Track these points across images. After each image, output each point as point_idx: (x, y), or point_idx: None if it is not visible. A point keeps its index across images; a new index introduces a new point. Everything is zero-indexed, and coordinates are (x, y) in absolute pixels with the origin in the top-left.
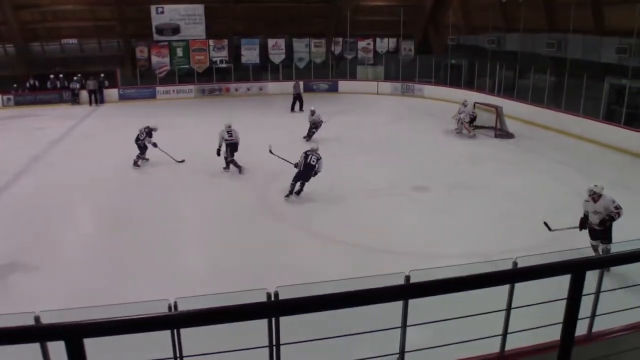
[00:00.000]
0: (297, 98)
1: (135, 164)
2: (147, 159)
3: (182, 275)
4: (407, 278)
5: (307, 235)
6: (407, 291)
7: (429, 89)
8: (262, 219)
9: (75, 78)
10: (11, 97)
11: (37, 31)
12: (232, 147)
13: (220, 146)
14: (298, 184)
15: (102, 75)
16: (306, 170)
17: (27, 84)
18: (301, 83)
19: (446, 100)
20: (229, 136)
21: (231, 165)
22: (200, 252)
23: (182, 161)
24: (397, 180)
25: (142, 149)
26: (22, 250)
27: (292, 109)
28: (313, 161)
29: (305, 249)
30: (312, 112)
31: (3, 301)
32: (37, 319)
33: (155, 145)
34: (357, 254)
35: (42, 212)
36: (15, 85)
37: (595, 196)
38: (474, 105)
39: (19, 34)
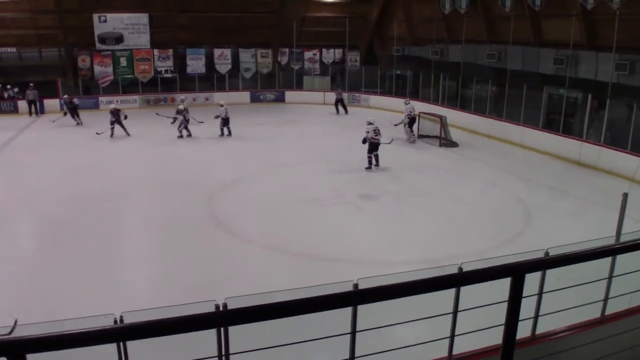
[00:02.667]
0: (339, 102)
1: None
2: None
3: (127, 289)
4: (356, 286)
5: (252, 246)
6: (356, 297)
7: (375, 99)
8: (208, 229)
9: (8, 87)
10: None
11: None
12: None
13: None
14: (373, 155)
15: (31, 84)
16: (375, 142)
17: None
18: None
19: (392, 110)
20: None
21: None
22: (146, 265)
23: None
24: (343, 189)
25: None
26: None
27: (345, 112)
28: (378, 134)
29: (251, 260)
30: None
31: None
32: None
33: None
34: (304, 263)
35: None
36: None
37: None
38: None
39: None
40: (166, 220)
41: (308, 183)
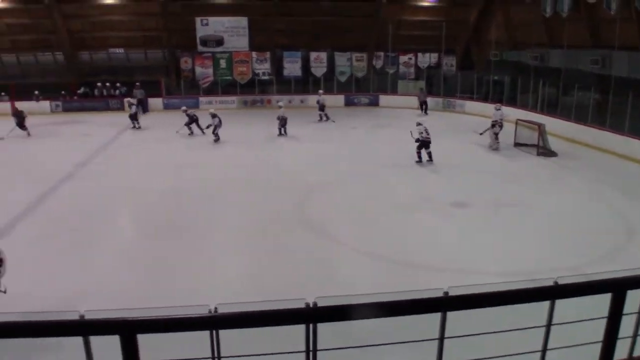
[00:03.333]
0: (424, 104)
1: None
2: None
3: (220, 281)
4: (446, 293)
5: (342, 248)
6: (446, 303)
7: (470, 105)
8: (299, 230)
9: (117, 84)
10: (59, 103)
11: (86, 40)
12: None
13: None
14: (423, 151)
15: (137, 84)
16: (426, 139)
17: (79, 91)
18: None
19: (488, 117)
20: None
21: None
22: (239, 261)
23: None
24: (435, 196)
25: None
26: (65, 252)
27: (425, 112)
28: (428, 132)
29: (340, 262)
30: (498, 107)
31: (46, 300)
32: (81, 317)
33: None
34: (393, 268)
35: (85, 217)
36: (63, 92)
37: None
38: (515, 122)
39: (69, 42)
40: (259, 220)
41: (399, 187)
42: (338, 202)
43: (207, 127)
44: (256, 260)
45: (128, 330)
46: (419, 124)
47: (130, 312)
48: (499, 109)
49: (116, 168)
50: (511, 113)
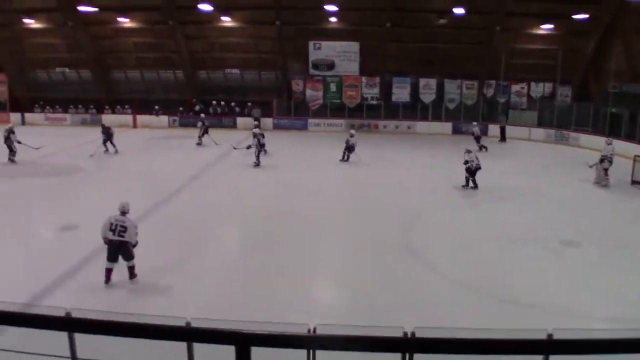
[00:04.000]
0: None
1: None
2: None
3: (318, 301)
4: (550, 335)
5: (441, 277)
6: (549, 346)
7: (586, 138)
8: (400, 255)
9: (232, 104)
10: (176, 118)
11: (205, 60)
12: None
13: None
14: (471, 180)
15: (249, 104)
16: (478, 168)
17: (196, 107)
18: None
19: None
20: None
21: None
22: (338, 282)
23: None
24: (543, 232)
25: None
26: (176, 261)
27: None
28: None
29: (439, 292)
30: (609, 142)
31: (155, 307)
32: (187, 324)
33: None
34: (493, 304)
35: (196, 227)
36: (180, 108)
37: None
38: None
39: (189, 62)
40: (359, 242)
41: (505, 220)
42: (441, 230)
43: (248, 147)
44: (354, 282)
45: (243, 342)
46: (469, 151)
47: (243, 325)
48: (610, 144)
49: (225, 182)
50: (630, 149)
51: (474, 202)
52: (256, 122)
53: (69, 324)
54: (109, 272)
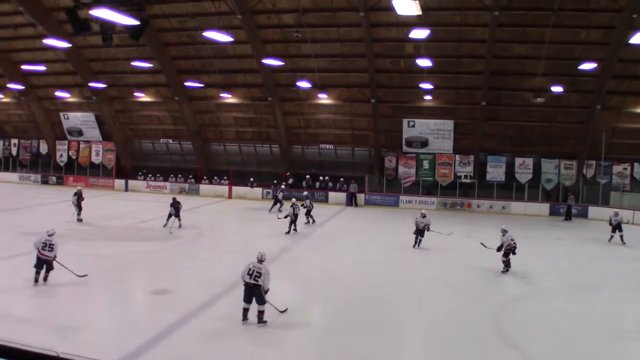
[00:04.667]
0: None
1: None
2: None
3: None
4: None
5: None
6: None
7: None
8: (494, 345)
9: (322, 178)
10: (270, 190)
11: (300, 135)
12: None
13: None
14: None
15: (352, 180)
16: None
17: (289, 181)
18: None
19: None
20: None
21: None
22: None
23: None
24: None
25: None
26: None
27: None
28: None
29: None
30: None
31: None
32: None
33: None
34: None
35: (282, 297)
36: (275, 181)
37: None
38: None
39: (285, 137)
40: (449, 327)
41: (614, 310)
42: (540, 318)
43: (285, 216)
44: None
45: None
46: (505, 231)
47: None
48: None
49: (315, 256)
50: None
51: (573, 290)
52: (305, 193)
53: None
54: (245, 311)
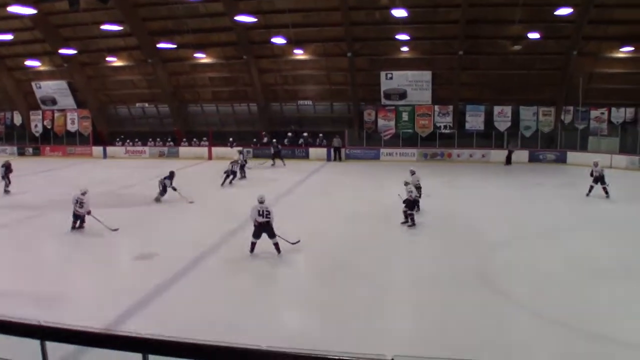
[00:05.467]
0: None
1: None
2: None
3: (392, 334)
4: None
5: (523, 312)
6: None
7: None
8: (477, 288)
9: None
10: (250, 150)
11: (277, 93)
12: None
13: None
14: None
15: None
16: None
17: (264, 140)
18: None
19: None
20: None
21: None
22: (411, 314)
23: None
24: (631, 262)
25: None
26: (248, 286)
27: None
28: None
29: (519, 326)
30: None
31: (227, 332)
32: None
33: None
34: (578, 339)
35: (265, 258)
36: (254, 140)
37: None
38: None
39: (262, 95)
40: (435, 274)
41: (591, 252)
42: (521, 261)
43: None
44: (428, 314)
45: None
46: (407, 183)
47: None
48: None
49: (298, 212)
50: None
51: (555, 232)
52: (239, 149)
53: (144, 345)
54: (253, 245)
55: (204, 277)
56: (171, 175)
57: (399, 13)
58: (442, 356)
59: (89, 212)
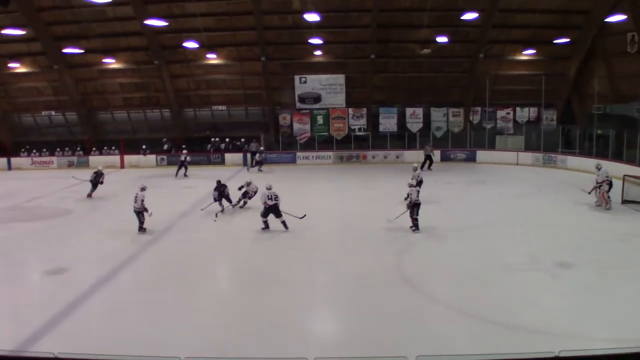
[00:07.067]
0: (428, 158)
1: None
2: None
3: (316, 336)
4: (557, 357)
5: (439, 306)
6: None
7: (573, 160)
8: (395, 286)
9: (215, 139)
10: (164, 157)
11: (191, 98)
12: None
13: None
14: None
15: (254, 139)
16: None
17: (164, 147)
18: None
19: (592, 173)
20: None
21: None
22: (334, 316)
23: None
24: (538, 255)
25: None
26: (166, 298)
27: (422, 168)
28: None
29: (437, 321)
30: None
31: (145, 345)
32: None
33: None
34: (493, 330)
35: (185, 266)
36: (166, 147)
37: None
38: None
39: (175, 100)
40: (355, 274)
41: (500, 246)
42: (436, 258)
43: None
44: (351, 314)
45: None
46: (411, 186)
47: None
48: (600, 168)
49: (214, 220)
50: (618, 169)
51: (467, 229)
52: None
53: None
54: (266, 222)
55: (117, 291)
56: (219, 186)
57: (312, 17)
58: (368, 354)
59: (137, 208)
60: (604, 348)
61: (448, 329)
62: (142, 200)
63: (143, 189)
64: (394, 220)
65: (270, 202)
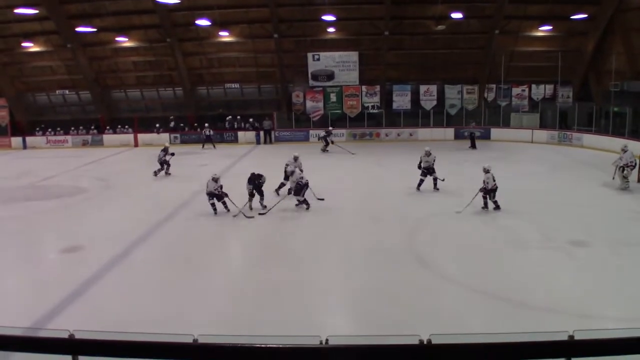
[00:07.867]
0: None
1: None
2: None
3: (327, 313)
4: (571, 337)
5: (454, 285)
6: (573, 348)
7: (589, 138)
8: (406, 263)
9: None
10: (178, 135)
11: (204, 76)
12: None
13: None
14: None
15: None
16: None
17: (171, 124)
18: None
19: (607, 150)
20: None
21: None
22: (343, 292)
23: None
24: (552, 233)
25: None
26: (180, 276)
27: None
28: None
29: (448, 298)
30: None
31: (159, 323)
32: (195, 341)
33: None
34: (505, 308)
35: (199, 244)
36: (181, 125)
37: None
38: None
39: (187, 78)
40: (368, 250)
41: (514, 224)
42: (449, 236)
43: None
44: (362, 292)
45: (253, 358)
46: (487, 171)
47: (252, 339)
48: (627, 150)
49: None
50: (636, 147)
51: (478, 208)
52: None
53: (73, 346)
54: (305, 200)
55: (131, 269)
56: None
57: None
58: (379, 332)
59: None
60: (619, 328)
61: (462, 307)
62: (219, 188)
63: (215, 179)
64: (462, 211)
65: (302, 182)
